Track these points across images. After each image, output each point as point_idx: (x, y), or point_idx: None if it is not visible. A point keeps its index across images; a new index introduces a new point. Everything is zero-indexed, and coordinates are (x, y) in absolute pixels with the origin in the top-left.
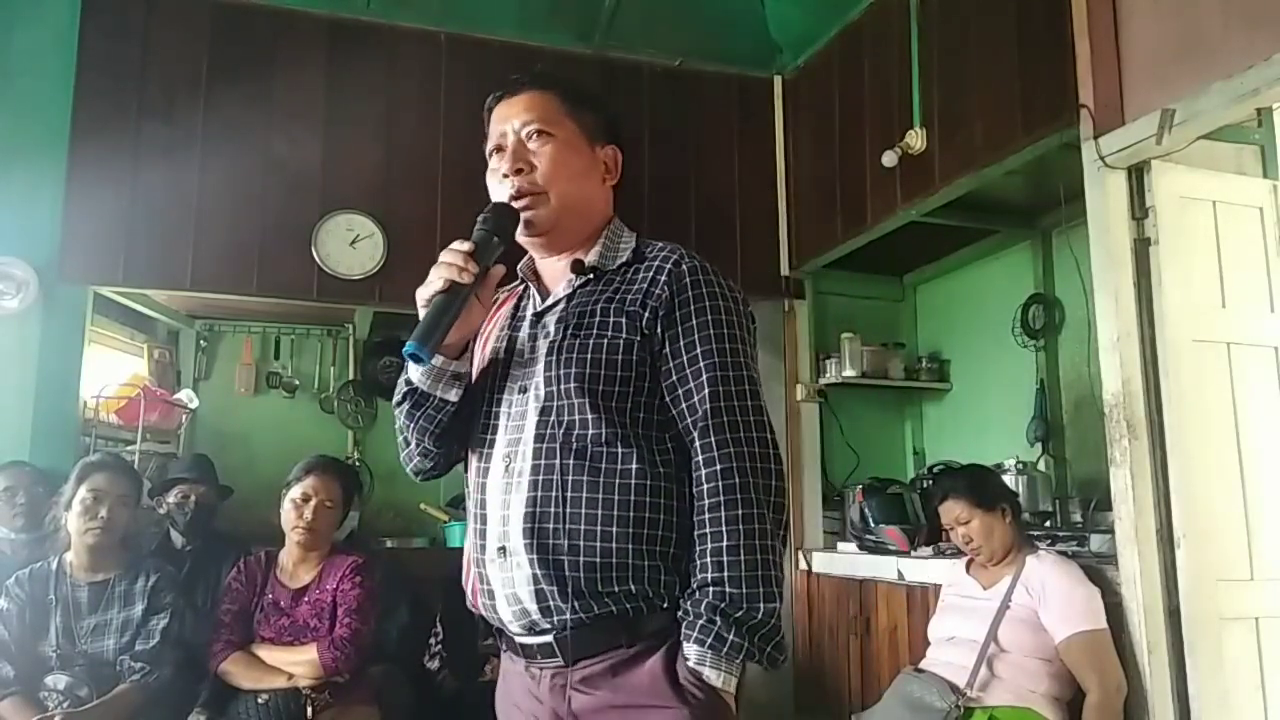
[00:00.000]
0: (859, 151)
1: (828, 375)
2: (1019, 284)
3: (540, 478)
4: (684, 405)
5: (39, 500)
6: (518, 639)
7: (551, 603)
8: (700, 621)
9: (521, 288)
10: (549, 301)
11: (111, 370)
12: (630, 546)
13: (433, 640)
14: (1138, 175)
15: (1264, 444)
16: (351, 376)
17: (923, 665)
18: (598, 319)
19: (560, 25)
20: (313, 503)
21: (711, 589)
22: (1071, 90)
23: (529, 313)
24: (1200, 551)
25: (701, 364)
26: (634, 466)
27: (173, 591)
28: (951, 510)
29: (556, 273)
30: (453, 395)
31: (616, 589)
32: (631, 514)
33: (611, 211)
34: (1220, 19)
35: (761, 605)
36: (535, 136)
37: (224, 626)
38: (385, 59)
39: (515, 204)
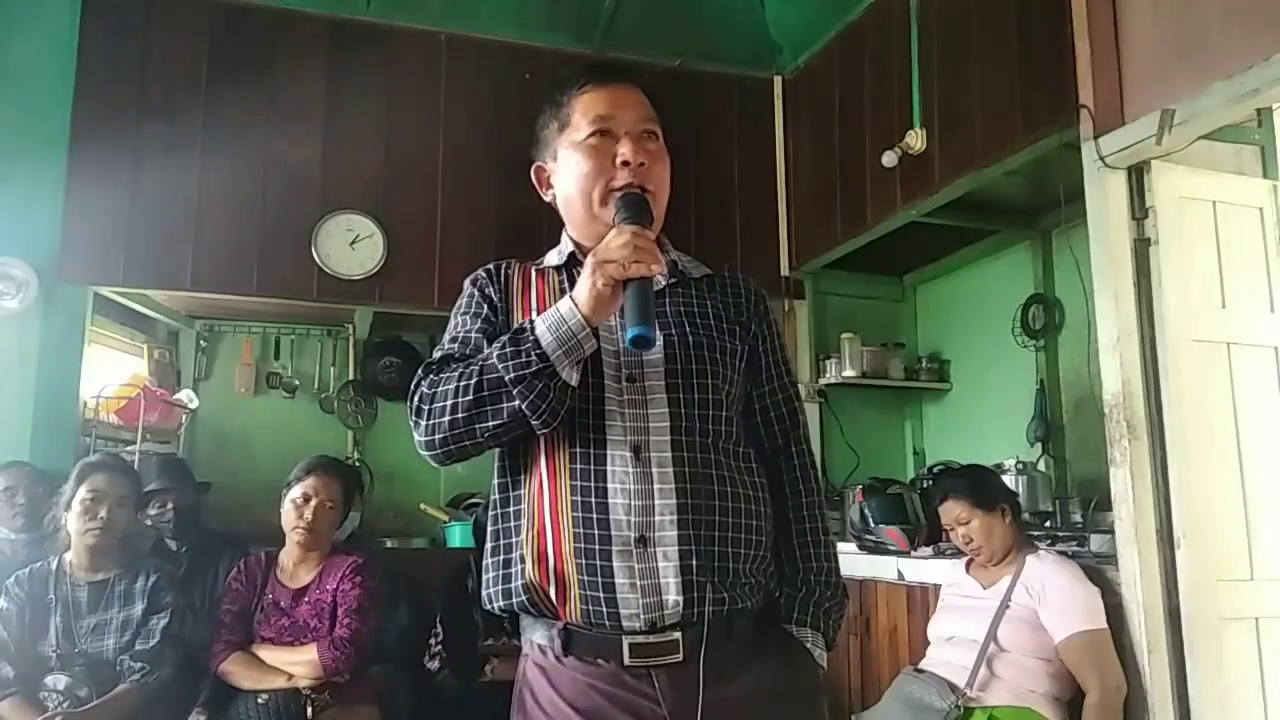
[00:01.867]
0: (859, 151)
1: (828, 375)
2: (1019, 284)
3: (686, 469)
4: (774, 414)
5: (39, 500)
6: (628, 638)
7: (699, 593)
8: (813, 610)
9: (556, 273)
10: None
11: (111, 370)
12: (762, 538)
13: (433, 640)
14: (1138, 175)
15: (1264, 444)
16: (351, 376)
17: (923, 665)
18: (712, 324)
19: (560, 25)
20: (313, 503)
21: (823, 580)
22: (1071, 90)
23: None
24: (1200, 551)
25: (787, 380)
26: (753, 463)
27: (172, 591)
28: (951, 510)
29: None
30: (575, 378)
31: (750, 580)
32: (759, 507)
33: None
34: (1220, 19)
35: (844, 597)
36: (648, 135)
37: (224, 626)
38: (385, 59)
39: (627, 187)
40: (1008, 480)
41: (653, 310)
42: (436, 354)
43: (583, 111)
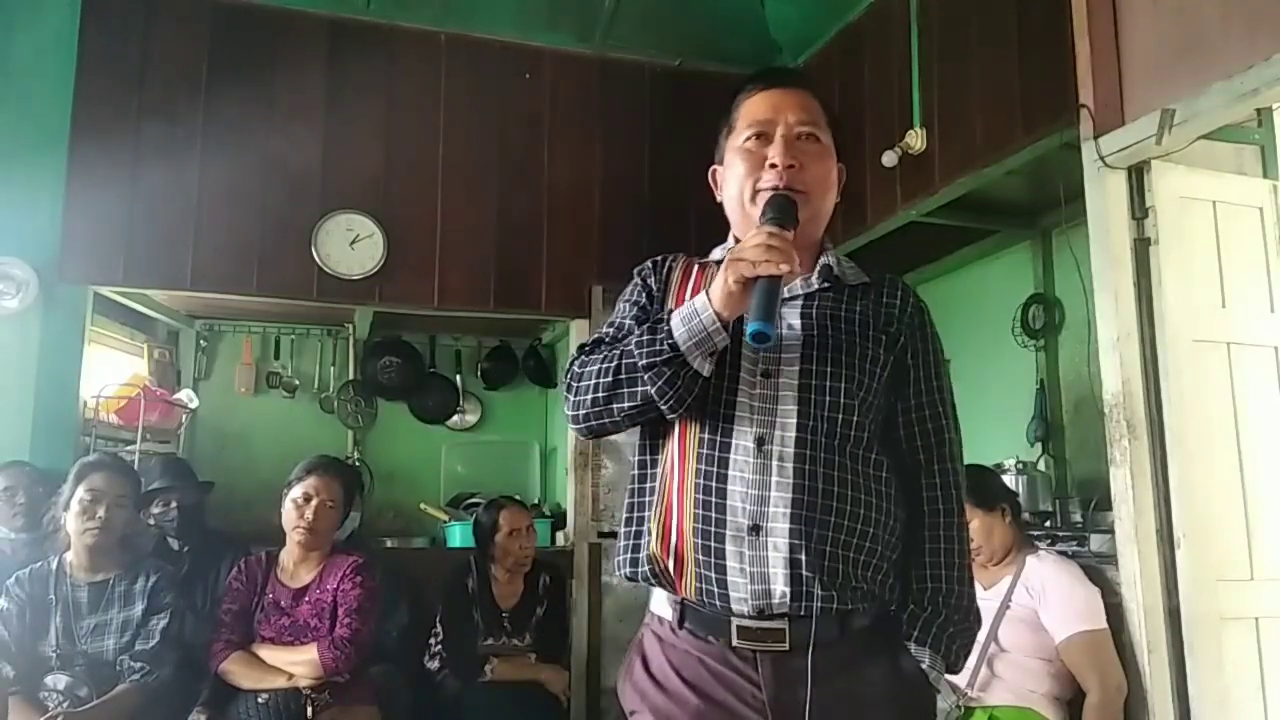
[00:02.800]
0: (859, 151)
1: None
2: (1019, 284)
3: (806, 466)
4: (919, 428)
5: (39, 500)
6: (736, 620)
7: (806, 587)
8: (934, 630)
9: (717, 268)
10: (786, 294)
11: (111, 370)
12: (879, 546)
13: (433, 640)
14: (1138, 175)
15: (1264, 444)
16: (351, 376)
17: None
18: (856, 330)
19: (560, 25)
20: (314, 503)
21: (949, 601)
22: (1071, 90)
23: None
24: (1200, 551)
25: (940, 395)
26: (885, 474)
27: (172, 591)
28: None
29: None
30: (708, 369)
31: (862, 584)
32: (880, 516)
33: None
34: (1220, 19)
35: (975, 621)
36: (807, 138)
37: (224, 626)
38: (385, 59)
39: (778, 188)
40: (1008, 480)
41: (776, 308)
42: (592, 337)
43: (744, 116)
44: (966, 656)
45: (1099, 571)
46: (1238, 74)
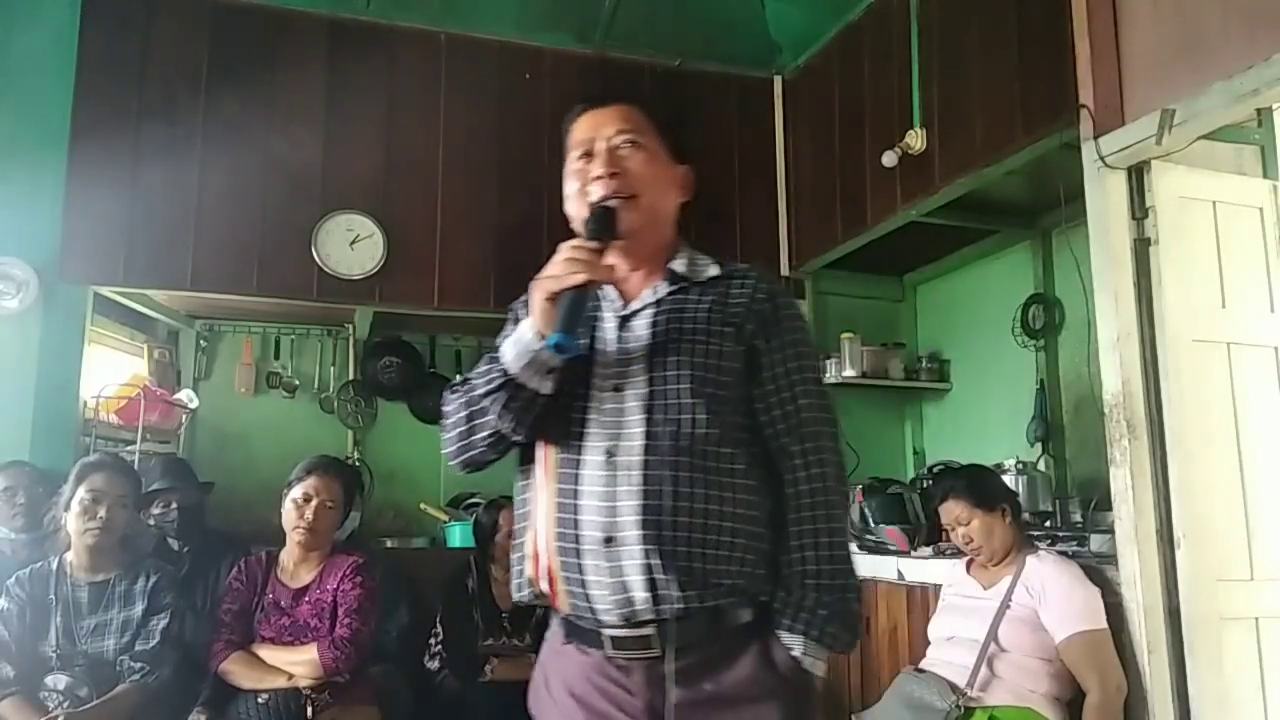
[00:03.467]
0: (859, 151)
1: (828, 375)
2: (1019, 284)
3: (653, 472)
4: (778, 412)
5: (39, 500)
6: (606, 630)
7: (663, 591)
8: (803, 614)
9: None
10: (636, 305)
11: (111, 370)
12: (739, 540)
13: (433, 640)
14: (1138, 175)
15: (1264, 444)
16: (351, 376)
17: (923, 665)
18: (702, 327)
19: (560, 25)
20: (314, 503)
21: (813, 583)
22: (1071, 90)
23: (608, 314)
24: (1200, 551)
25: (797, 377)
26: (740, 466)
27: (173, 591)
28: (952, 510)
29: (633, 278)
30: (547, 388)
31: (725, 581)
32: (739, 510)
33: (677, 229)
34: (1220, 19)
35: (854, 597)
36: (627, 146)
37: (224, 626)
38: (385, 59)
39: (602, 199)
40: (1008, 480)
41: (578, 318)
42: (460, 378)
43: (571, 142)
44: (852, 634)
45: (1099, 571)
46: (1238, 74)
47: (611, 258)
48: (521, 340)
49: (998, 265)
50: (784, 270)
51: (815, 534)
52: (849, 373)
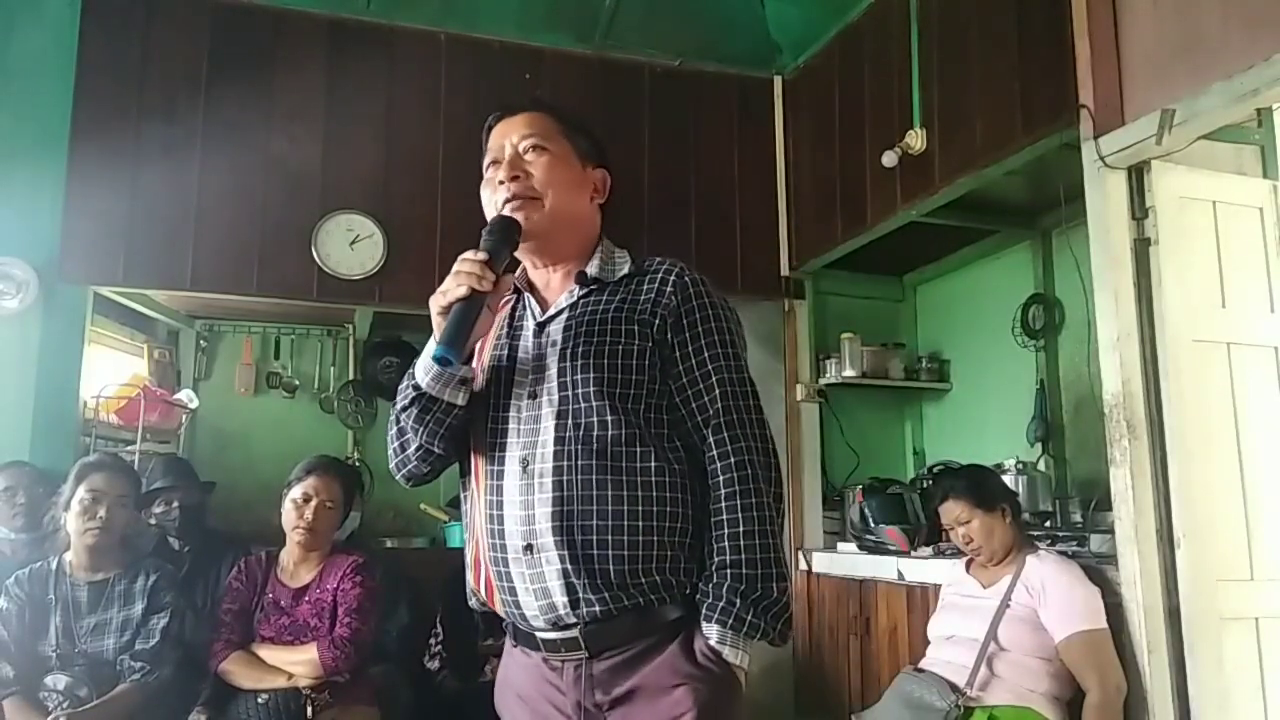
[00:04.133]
0: (859, 151)
1: (828, 375)
2: (1019, 284)
3: (564, 478)
4: (694, 405)
5: (39, 500)
6: (539, 634)
7: (581, 595)
8: (720, 604)
9: (514, 299)
10: (551, 311)
11: (111, 370)
12: (655, 538)
13: (433, 640)
14: (1138, 175)
15: (1264, 444)
16: (351, 376)
17: (923, 665)
18: (609, 327)
19: (560, 25)
20: (314, 503)
21: (730, 572)
22: (1071, 90)
23: (529, 322)
24: (1200, 551)
25: (710, 368)
26: (652, 464)
27: (172, 591)
28: (951, 510)
29: (554, 284)
30: (460, 399)
31: (643, 580)
32: (654, 508)
33: (599, 231)
34: (1220, 19)
35: (775, 585)
36: (532, 150)
37: (224, 626)
38: (385, 59)
39: (509, 207)
40: (1008, 480)
41: (461, 331)
42: None
43: (486, 152)
44: (775, 622)
45: (1099, 571)
46: (1238, 74)
47: (528, 262)
48: (429, 354)
49: (998, 265)
50: (784, 270)
51: (735, 524)
52: (849, 373)
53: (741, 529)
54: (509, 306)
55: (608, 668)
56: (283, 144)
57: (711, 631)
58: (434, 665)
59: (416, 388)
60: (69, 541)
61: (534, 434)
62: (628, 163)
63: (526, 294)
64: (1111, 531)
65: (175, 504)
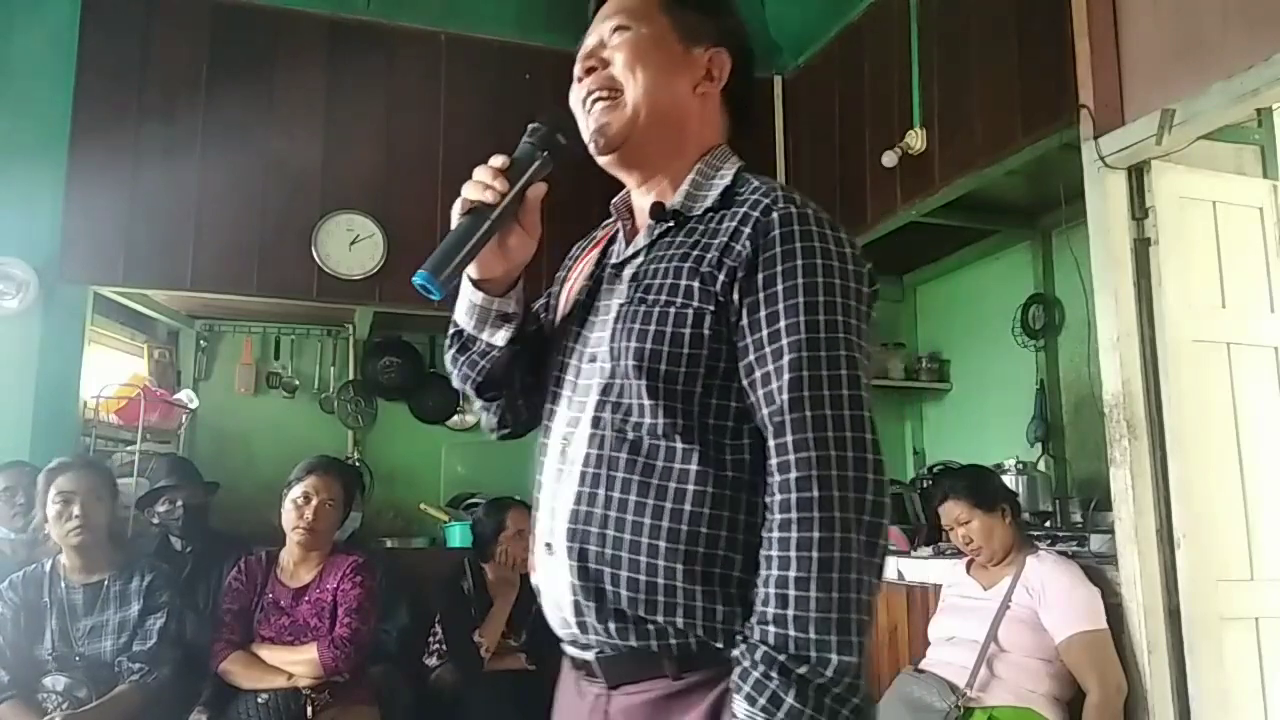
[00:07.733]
0: (859, 151)
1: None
2: (1019, 284)
3: (590, 470)
4: (760, 393)
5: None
6: (565, 646)
7: (588, 619)
8: (753, 674)
9: (617, 227)
10: (628, 251)
11: (111, 370)
12: (681, 568)
13: (433, 640)
14: (1138, 175)
15: (1264, 444)
16: (351, 376)
17: (923, 665)
18: (668, 281)
19: (560, 25)
20: (314, 503)
21: (772, 630)
22: (1071, 90)
23: (612, 260)
24: (1200, 551)
25: (785, 341)
26: (694, 468)
27: (169, 591)
28: (951, 511)
29: (645, 212)
30: (499, 339)
31: (661, 619)
32: (685, 528)
33: (720, 136)
34: (1220, 19)
35: (834, 657)
36: (614, 32)
37: (224, 626)
38: (385, 59)
39: (589, 113)
40: (1008, 480)
41: (450, 256)
42: None
43: None
44: (840, 708)
45: (1099, 572)
46: (1238, 74)
47: (621, 176)
48: (465, 283)
49: (998, 265)
50: None
51: (785, 564)
52: None
53: (793, 573)
54: (610, 235)
55: (623, 709)
56: (283, 144)
57: (740, 710)
58: (434, 664)
59: (454, 323)
60: (59, 545)
61: (580, 408)
62: None
63: (623, 222)
64: (1111, 532)
65: (179, 503)
